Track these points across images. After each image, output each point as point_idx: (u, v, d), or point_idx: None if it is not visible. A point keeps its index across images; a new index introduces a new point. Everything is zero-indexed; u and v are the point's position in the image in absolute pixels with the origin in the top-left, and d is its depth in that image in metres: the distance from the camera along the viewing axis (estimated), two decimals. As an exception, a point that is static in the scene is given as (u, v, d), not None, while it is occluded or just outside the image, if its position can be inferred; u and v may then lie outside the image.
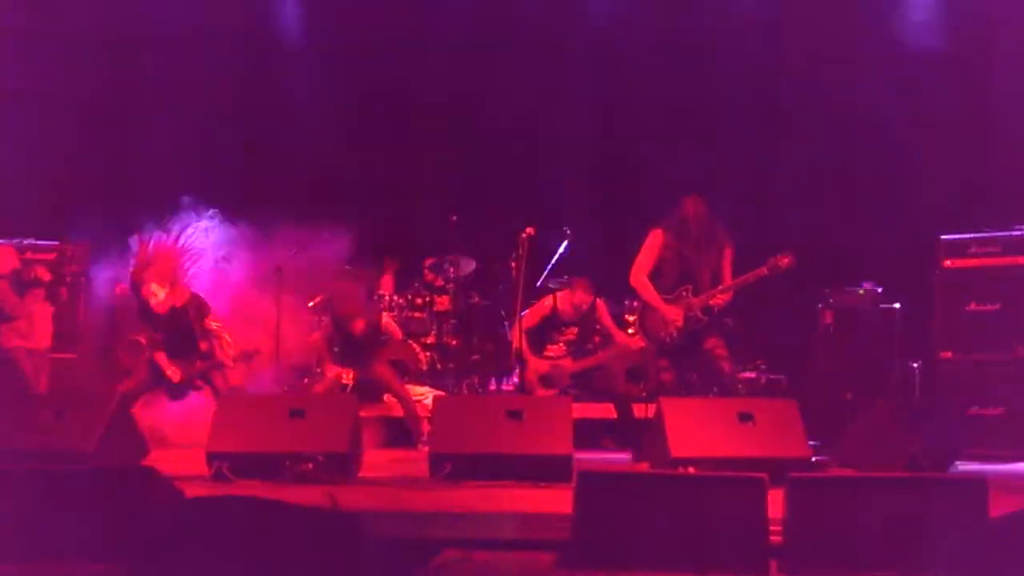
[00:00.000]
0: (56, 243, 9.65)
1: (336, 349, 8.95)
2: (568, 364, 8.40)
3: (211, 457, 6.67)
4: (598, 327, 8.67)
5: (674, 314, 7.46)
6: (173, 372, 7.95)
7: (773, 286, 7.85)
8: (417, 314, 10.41)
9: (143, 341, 8.38)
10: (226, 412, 7.07)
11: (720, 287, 7.44)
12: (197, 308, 8.08)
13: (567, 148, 10.89)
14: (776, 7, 10.55)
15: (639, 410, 8.51)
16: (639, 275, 7.62)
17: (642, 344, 8.57)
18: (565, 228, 9.64)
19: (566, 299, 8.50)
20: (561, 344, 8.42)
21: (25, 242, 9.54)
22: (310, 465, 6.47)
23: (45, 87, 10.40)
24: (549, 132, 10.92)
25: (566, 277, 9.46)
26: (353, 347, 8.79)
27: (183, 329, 8.02)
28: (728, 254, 7.58)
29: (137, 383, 8.11)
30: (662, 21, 10.76)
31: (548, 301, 8.57)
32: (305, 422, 6.82)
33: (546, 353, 8.42)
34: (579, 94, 10.98)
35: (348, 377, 8.69)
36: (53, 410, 7.01)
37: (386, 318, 9.09)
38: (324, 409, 7.10)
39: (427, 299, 10.49)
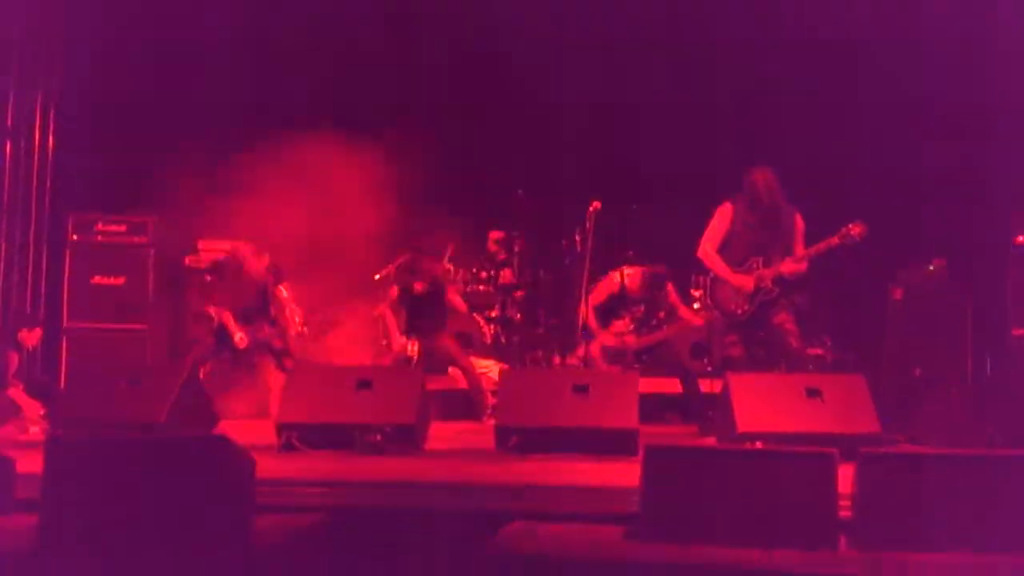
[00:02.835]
0: (125, 216, 9.79)
1: (402, 321, 9.01)
2: (632, 340, 8.37)
3: (280, 427, 6.76)
4: (665, 304, 8.62)
5: (743, 281, 7.44)
6: (240, 338, 8.04)
7: (842, 262, 7.78)
8: (482, 287, 10.45)
9: (211, 312, 8.51)
10: (295, 383, 7.16)
11: (791, 257, 7.40)
12: (275, 272, 8.20)
13: (636, 122, 10.78)
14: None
15: (704, 385, 8.50)
16: (707, 247, 7.60)
17: (704, 320, 8.53)
18: (633, 204, 9.58)
19: (635, 277, 8.44)
20: (627, 319, 8.38)
21: (96, 214, 9.69)
22: (378, 436, 6.52)
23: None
24: (618, 105, 10.82)
25: (630, 253, 9.40)
26: (418, 318, 8.83)
27: (256, 291, 8.13)
28: (799, 226, 7.53)
29: (203, 350, 8.24)
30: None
31: (616, 277, 8.50)
32: (372, 393, 6.87)
33: (612, 329, 8.40)
34: (649, 69, 10.86)
35: (413, 349, 8.74)
36: (125, 381, 7.15)
37: (451, 291, 9.12)
38: (391, 381, 7.15)
39: (492, 272, 10.51)
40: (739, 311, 7.49)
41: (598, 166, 10.51)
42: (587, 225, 8.53)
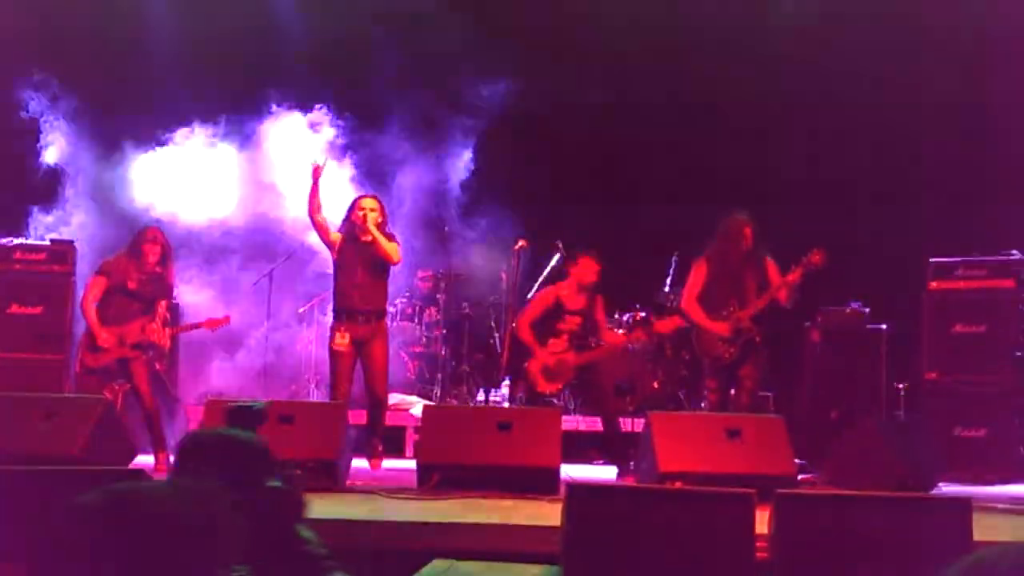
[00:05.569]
0: (46, 243, 9.62)
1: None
2: (572, 358, 8.35)
3: (198, 462, 6.66)
4: (593, 320, 8.61)
5: (720, 328, 7.85)
6: (106, 338, 7.92)
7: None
8: (406, 323, 10.43)
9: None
10: (214, 417, 7.06)
11: (763, 298, 7.85)
12: (168, 288, 8.15)
13: (564, 158, 10.83)
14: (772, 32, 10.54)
15: (625, 424, 8.57)
16: (688, 300, 8.09)
17: (624, 340, 8.57)
18: (557, 241, 9.59)
19: (570, 285, 8.42)
20: (564, 337, 8.34)
21: (15, 242, 9.51)
22: (298, 472, 6.46)
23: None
24: (546, 141, 10.86)
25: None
26: None
27: (145, 295, 8.03)
28: (770, 265, 7.98)
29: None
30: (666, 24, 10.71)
31: (550, 290, 8.52)
32: (294, 428, 6.82)
33: (549, 348, 8.38)
34: (577, 100, 10.92)
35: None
36: (41, 413, 7.02)
37: None
38: (313, 416, 7.10)
39: (416, 308, 10.51)
40: (726, 355, 7.90)
41: (528, 203, 10.51)
42: (512, 262, 8.59)
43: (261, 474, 3.00)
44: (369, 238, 8.01)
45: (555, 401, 8.44)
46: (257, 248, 10.04)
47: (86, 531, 2.31)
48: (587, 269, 8.34)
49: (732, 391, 8.01)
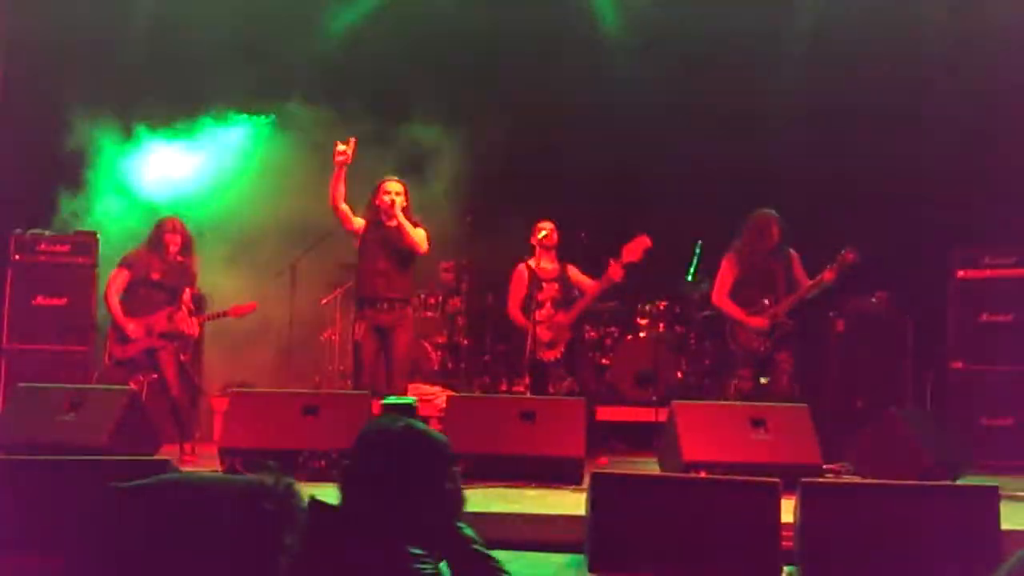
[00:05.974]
0: (70, 235, 9.64)
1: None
2: (563, 317, 8.45)
3: (224, 452, 6.70)
4: (569, 285, 8.67)
5: (759, 323, 8.02)
6: (134, 329, 8.05)
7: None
8: (429, 313, 10.43)
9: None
10: (239, 408, 7.10)
11: (798, 294, 8.02)
12: (191, 277, 8.25)
13: (588, 148, 10.76)
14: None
15: (650, 414, 8.58)
16: (721, 295, 8.20)
17: (600, 284, 8.50)
18: (581, 232, 9.52)
19: (538, 254, 8.65)
20: (547, 304, 8.50)
21: (47, 233, 9.55)
22: (323, 463, 6.49)
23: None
24: (570, 131, 10.81)
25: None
26: None
27: (169, 285, 8.14)
28: (795, 258, 8.14)
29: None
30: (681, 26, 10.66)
31: (520, 268, 8.68)
32: (318, 419, 6.84)
33: (539, 319, 8.44)
34: (597, 92, 10.88)
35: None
36: (67, 404, 7.07)
37: None
38: (337, 407, 7.11)
39: (439, 299, 10.51)
40: (762, 348, 8.06)
41: (549, 192, 10.46)
42: (536, 252, 8.61)
43: (444, 472, 2.89)
44: (395, 223, 7.79)
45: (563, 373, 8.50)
46: (282, 237, 10.04)
47: (123, 520, 2.30)
48: (544, 230, 8.56)
49: (763, 379, 8.07)
